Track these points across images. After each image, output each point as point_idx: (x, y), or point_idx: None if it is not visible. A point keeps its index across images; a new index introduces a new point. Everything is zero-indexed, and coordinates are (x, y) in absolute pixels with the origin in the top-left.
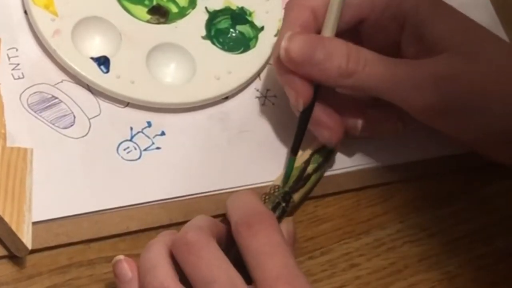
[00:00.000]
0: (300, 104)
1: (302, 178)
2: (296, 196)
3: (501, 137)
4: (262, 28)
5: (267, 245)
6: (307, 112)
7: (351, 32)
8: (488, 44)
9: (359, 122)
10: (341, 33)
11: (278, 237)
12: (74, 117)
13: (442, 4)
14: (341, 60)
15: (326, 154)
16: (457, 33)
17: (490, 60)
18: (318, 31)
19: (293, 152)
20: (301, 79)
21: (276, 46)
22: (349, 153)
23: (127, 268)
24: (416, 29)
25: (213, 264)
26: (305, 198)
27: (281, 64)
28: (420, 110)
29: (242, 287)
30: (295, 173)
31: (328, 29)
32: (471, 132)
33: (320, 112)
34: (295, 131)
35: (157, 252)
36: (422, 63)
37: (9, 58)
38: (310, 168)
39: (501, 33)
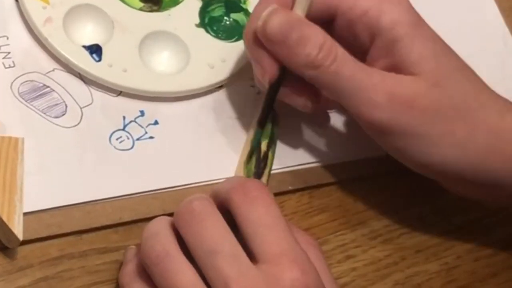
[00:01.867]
0: (266, 81)
1: (261, 159)
2: (264, 179)
3: (438, 175)
4: None
5: (266, 216)
6: (274, 87)
7: (325, 25)
8: (457, 73)
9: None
10: (315, 20)
11: (276, 208)
12: (66, 106)
13: (422, 26)
14: (313, 49)
15: (272, 126)
16: (429, 59)
17: (452, 93)
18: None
19: (260, 125)
20: (269, 56)
21: (251, 18)
22: (346, 144)
23: (134, 249)
24: (389, 45)
25: (217, 234)
26: (270, 176)
27: (252, 37)
28: (367, 124)
29: (245, 260)
30: (252, 157)
31: (300, 6)
32: (411, 160)
33: (293, 82)
34: (262, 104)
35: (158, 223)
36: (385, 79)
37: None
38: (263, 146)
39: (500, 21)
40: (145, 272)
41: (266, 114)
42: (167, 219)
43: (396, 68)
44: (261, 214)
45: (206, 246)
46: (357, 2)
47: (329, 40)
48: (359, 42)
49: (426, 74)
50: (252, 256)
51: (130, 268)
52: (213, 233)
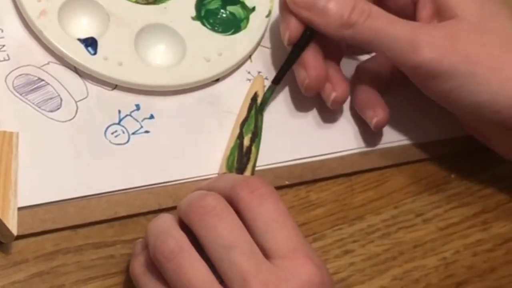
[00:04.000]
0: (285, 37)
1: (244, 154)
2: (247, 173)
3: (489, 115)
4: (254, 8)
5: (277, 212)
6: (296, 50)
7: None
8: (498, 17)
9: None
10: None
11: (283, 204)
12: (61, 100)
13: None
14: (345, 9)
15: (255, 120)
16: (470, 3)
17: (496, 33)
18: None
19: (274, 81)
20: (296, 19)
21: None
22: (343, 137)
23: (143, 241)
24: None
25: (233, 229)
26: (254, 170)
27: (284, 2)
28: (412, 69)
29: (261, 255)
30: (233, 153)
31: None
32: (460, 102)
33: (308, 54)
34: (282, 63)
35: (165, 219)
36: (425, 25)
37: None
38: (246, 141)
39: None
40: (155, 267)
41: (282, 73)
42: (173, 216)
43: (439, 16)
44: (272, 210)
45: (223, 241)
46: None
47: (360, 2)
48: None
49: (468, 16)
50: (262, 252)
51: (142, 260)
52: (230, 227)
